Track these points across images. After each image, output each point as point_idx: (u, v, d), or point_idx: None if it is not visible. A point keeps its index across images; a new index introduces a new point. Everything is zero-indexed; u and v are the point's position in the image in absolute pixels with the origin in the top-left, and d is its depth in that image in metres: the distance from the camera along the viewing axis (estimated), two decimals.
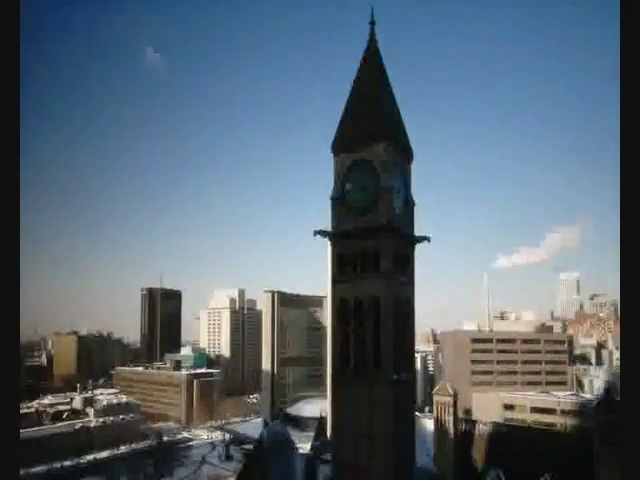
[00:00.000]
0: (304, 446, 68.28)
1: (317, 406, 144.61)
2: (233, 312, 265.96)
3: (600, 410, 42.84)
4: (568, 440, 51.16)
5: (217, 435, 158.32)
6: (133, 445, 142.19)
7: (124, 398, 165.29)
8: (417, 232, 35.36)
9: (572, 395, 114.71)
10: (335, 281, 33.85)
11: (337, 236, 33.68)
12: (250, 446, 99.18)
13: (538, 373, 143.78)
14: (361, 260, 32.45)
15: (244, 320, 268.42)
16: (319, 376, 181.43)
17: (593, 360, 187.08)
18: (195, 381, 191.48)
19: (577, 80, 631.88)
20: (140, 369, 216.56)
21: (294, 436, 60.87)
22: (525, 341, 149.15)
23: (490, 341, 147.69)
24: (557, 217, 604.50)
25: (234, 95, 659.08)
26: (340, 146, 34.34)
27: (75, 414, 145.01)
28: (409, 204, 35.08)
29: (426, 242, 35.29)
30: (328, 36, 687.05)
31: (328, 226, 34.16)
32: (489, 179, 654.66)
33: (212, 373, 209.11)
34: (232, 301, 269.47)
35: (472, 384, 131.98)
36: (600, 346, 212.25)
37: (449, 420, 50.73)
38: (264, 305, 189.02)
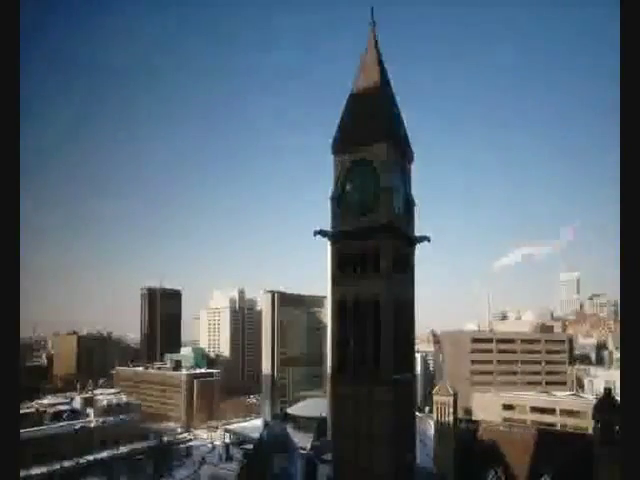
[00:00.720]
0: (304, 446, 68.31)
1: (317, 406, 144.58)
2: (233, 312, 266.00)
3: (600, 410, 42.82)
4: (568, 440, 51.07)
5: (217, 435, 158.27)
6: (133, 445, 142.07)
7: (124, 398, 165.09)
8: (417, 232, 35.39)
9: (572, 395, 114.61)
10: (335, 281, 33.85)
11: (337, 236, 33.68)
12: (250, 446, 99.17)
13: (538, 373, 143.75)
14: (361, 260, 32.46)
15: (244, 320, 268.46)
16: (319, 376, 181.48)
17: (593, 360, 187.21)
18: (195, 381, 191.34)
19: (578, 80, 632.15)
20: (140, 369, 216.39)
21: (294, 436, 60.89)
22: (525, 341, 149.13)
23: (490, 341, 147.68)
24: (557, 217, 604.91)
25: (234, 95, 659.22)
26: (340, 146, 34.35)
27: (75, 414, 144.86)
28: (409, 204, 35.09)
29: (426, 242, 35.31)
30: (328, 36, 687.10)
31: (328, 226, 34.17)
32: (489, 179, 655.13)
33: (212, 373, 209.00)
34: (232, 301, 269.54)
35: (472, 384, 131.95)
36: (600, 346, 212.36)
37: (449, 420, 50.72)
38: (264, 305, 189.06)
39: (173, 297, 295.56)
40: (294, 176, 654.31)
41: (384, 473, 30.38)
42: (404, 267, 33.85)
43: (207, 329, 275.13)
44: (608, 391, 45.36)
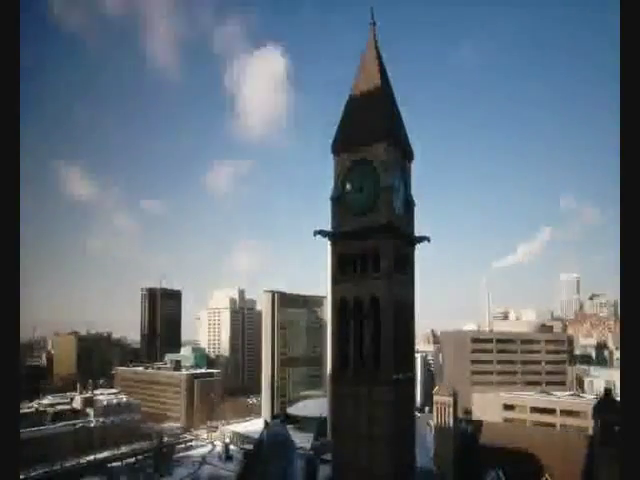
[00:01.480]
0: (304, 446, 68.25)
1: (317, 406, 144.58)
2: (233, 312, 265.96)
3: (600, 410, 42.83)
4: (568, 440, 51.09)
5: (217, 435, 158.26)
6: (133, 445, 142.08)
7: (124, 398, 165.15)
8: (417, 232, 35.38)
9: (572, 395, 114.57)
10: (335, 281, 33.84)
11: (337, 236, 33.66)
12: (250, 446, 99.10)
13: (538, 373, 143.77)
14: (361, 260, 32.44)
15: (244, 320, 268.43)
16: (319, 376, 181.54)
17: (593, 360, 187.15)
18: (195, 381, 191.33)
19: (576, 82, 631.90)
20: (140, 369, 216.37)
21: (294, 436, 60.81)
22: (525, 341, 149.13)
23: (490, 341, 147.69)
24: (557, 217, 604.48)
25: (233, 95, 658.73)
26: (340, 146, 34.33)
27: (75, 414, 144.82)
28: (409, 204, 35.07)
29: (426, 242, 35.29)
30: (328, 36, 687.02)
31: (328, 226, 34.15)
32: (489, 179, 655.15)
33: (212, 373, 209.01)
34: (232, 301, 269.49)
35: (472, 384, 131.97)
36: (600, 346, 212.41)
37: (449, 420, 50.73)
38: (264, 305, 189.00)
39: (173, 297, 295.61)
40: (294, 176, 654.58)
41: (384, 473, 30.36)
42: (404, 267, 33.83)
43: (207, 329, 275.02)
44: (608, 391, 45.41)
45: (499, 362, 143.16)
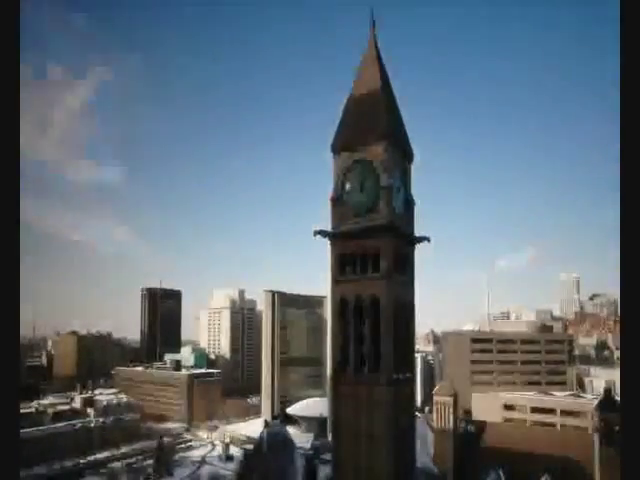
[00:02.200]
0: (304, 446, 68.21)
1: (317, 406, 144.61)
2: (233, 312, 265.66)
3: (600, 410, 42.83)
4: (568, 440, 51.07)
5: (217, 435, 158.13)
6: (133, 445, 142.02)
7: (124, 398, 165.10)
8: (417, 232, 35.37)
9: (572, 395, 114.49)
10: (335, 281, 33.83)
11: (337, 236, 33.65)
12: (250, 446, 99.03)
13: (538, 373, 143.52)
14: (361, 260, 32.44)
15: (244, 320, 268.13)
16: (319, 376, 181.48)
17: (593, 360, 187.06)
18: (195, 381, 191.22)
19: (577, 81, 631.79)
20: (140, 369, 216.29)
21: (294, 436, 60.80)
22: (525, 341, 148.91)
23: (490, 341, 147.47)
24: (557, 217, 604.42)
25: (233, 96, 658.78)
26: (340, 146, 34.32)
27: (75, 414, 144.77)
28: (409, 204, 35.07)
29: (426, 242, 35.28)
30: (328, 36, 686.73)
31: (328, 226, 34.15)
32: (490, 179, 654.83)
33: (212, 373, 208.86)
34: (232, 301, 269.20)
35: (472, 384, 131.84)
36: (600, 346, 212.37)
37: (449, 420, 50.71)
38: (264, 305, 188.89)
39: (173, 297, 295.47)
40: (294, 176, 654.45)
41: (384, 473, 30.36)
42: (404, 267, 33.82)
43: (207, 329, 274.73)
44: (608, 391, 45.41)
45: (499, 362, 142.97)
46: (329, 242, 34.16)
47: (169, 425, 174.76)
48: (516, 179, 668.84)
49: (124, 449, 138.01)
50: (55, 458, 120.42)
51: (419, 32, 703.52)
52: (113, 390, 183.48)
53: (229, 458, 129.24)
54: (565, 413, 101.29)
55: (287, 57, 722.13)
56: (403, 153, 34.84)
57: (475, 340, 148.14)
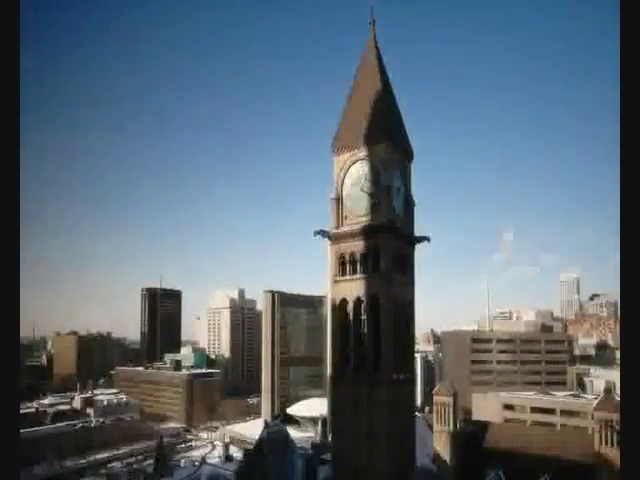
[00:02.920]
0: (304, 446, 68.25)
1: (317, 406, 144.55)
2: (233, 312, 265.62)
3: (600, 410, 42.84)
4: (568, 440, 51.03)
5: (217, 435, 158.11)
6: (133, 445, 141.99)
7: (124, 398, 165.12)
8: (417, 232, 35.38)
9: (572, 395, 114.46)
10: (335, 281, 33.82)
11: (337, 236, 33.65)
12: (250, 446, 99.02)
13: (538, 373, 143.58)
14: (361, 260, 32.44)
15: (244, 320, 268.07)
16: (319, 376, 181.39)
17: (593, 360, 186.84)
18: (195, 381, 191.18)
19: (577, 81, 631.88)
20: (140, 369, 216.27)
21: (294, 436, 60.83)
22: (525, 341, 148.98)
23: (490, 341, 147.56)
24: (557, 217, 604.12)
25: (233, 96, 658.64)
26: (340, 146, 34.32)
27: (75, 414, 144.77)
28: (409, 204, 35.06)
29: (426, 242, 35.29)
30: (328, 36, 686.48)
31: (328, 226, 34.16)
32: (490, 178, 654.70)
33: (212, 373, 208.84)
34: (232, 301, 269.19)
35: (472, 384, 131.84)
36: (600, 346, 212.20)
37: (449, 420, 50.71)
38: (264, 305, 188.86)
39: (173, 297, 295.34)
40: (294, 176, 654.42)
41: (384, 473, 30.35)
42: (404, 267, 33.82)
43: (207, 329, 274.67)
44: (608, 391, 45.42)
45: (499, 362, 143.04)
46: (329, 242, 34.16)
47: (169, 425, 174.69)
48: (516, 179, 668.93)
49: (124, 449, 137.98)
50: (55, 458, 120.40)
51: (419, 32, 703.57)
52: (113, 390, 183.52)
53: (229, 458, 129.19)
54: (565, 413, 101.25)
55: (287, 57, 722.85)
56: (403, 153, 34.83)
57: (475, 340, 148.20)
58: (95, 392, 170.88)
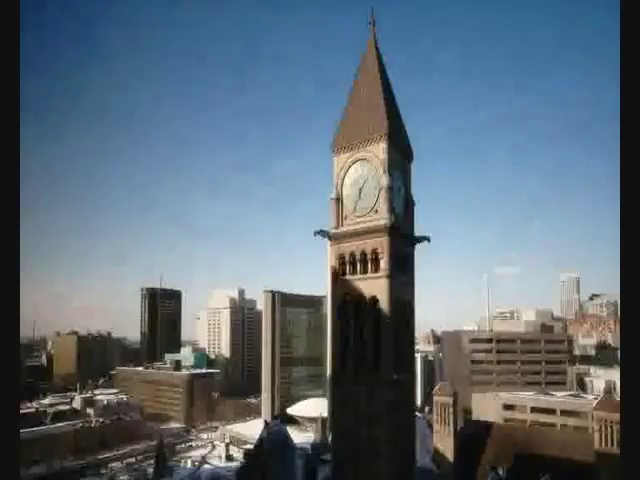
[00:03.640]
0: (304, 446, 68.22)
1: (317, 406, 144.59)
2: (233, 312, 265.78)
3: (600, 410, 42.80)
4: (568, 440, 51.01)
5: (217, 435, 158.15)
6: (133, 445, 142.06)
7: (124, 398, 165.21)
8: (417, 232, 35.38)
9: (572, 395, 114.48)
10: (335, 281, 33.82)
11: (337, 236, 33.65)
12: (250, 446, 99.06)
13: (538, 373, 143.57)
14: (361, 260, 32.44)
15: (244, 320, 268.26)
16: (319, 376, 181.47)
17: (593, 360, 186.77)
18: (195, 381, 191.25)
19: (578, 80, 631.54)
20: (140, 369, 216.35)
21: (294, 436, 60.81)
22: (525, 341, 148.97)
23: (490, 341, 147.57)
24: (557, 217, 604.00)
25: (233, 96, 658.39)
26: (340, 146, 34.30)
27: (75, 414, 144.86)
28: (409, 204, 35.05)
29: (426, 242, 35.28)
30: (328, 36, 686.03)
31: (328, 226, 34.16)
32: (490, 178, 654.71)
33: (212, 373, 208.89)
34: (232, 301, 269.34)
35: (472, 384, 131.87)
36: (600, 346, 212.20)
37: (449, 420, 50.66)
38: (264, 305, 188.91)
39: (173, 297, 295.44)
40: (294, 176, 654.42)
41: (384, 473, 30.35)
42: (404, 267, 33.81)
43: (207, 329, 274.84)
44: (608, 391, 45.38)
45: (499, 362, 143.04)
46: (329, 242, 34.15)
47: (169, 425, 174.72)
48: (516, 178, 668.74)
49: (124, 449, 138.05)
50: (55, 458, 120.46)
51: (419, 32, 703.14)
52: (113, 390, 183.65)
53: (229, 458, 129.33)
54: (565, 413, 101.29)
55: (287, 57, 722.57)
56: (403, 153, 34.81)
57: (475, 340, 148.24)
58: (95, 392, 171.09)
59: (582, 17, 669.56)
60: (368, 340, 31.98)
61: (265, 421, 75.69)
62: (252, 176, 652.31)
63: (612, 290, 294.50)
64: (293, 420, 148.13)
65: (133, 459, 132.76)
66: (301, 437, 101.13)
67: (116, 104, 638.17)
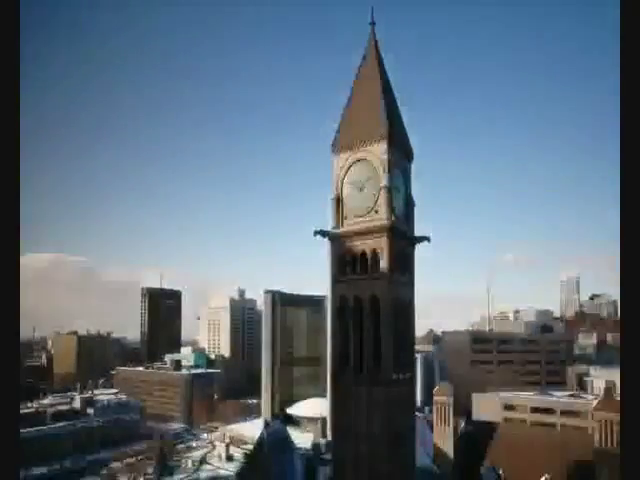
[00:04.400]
0: (304, 446, 68.20)
1: (317, 406, 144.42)
2: (233, 312, 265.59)
3: (600, 410, 42.82)
4: (568, 440, 51.01)
5: (217, 435, 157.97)
6: (133, 445, 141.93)
7: (124, 398, 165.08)
8: (417, 232, 35.36)
9: (572, 395, 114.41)
10: (335, 281, 33.83)
11: (337, 236, 33.66)
12: (250, 446, 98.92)
13: (538, 373, 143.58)
14: (361, 260, 32.45)
15: (244, 320, 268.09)
16: (319, 376, 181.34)
17: (593, 360, 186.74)
18: (195, 381, 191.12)
19: (578, 78, 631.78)
20: (140, 369, 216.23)
21: (294, 436, 60.79)
22: (525, 341, 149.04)
23: (490, 341, 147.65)
24: (557, 217, 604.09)
25: (233, 96, 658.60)
26: (340, 146, 34.31)
27: (75, 414, 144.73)
28: (409, 204, 35.05)
29: (426, 242, 35.27)
30: (328, 36, 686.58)
31: (328, 226, 34.16)
32: (490, 178, 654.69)
33: (212, 373, 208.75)
34: (232, 301, 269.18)
35: (472, 384, 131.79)
36: (600, 346, 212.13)
37: (449, 420, 50.68)
38: (264, 305, 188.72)
39: (173, 297, 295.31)
40: (294, 176, 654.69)
41: (384, 473, 30.34)
42: (404, 267, 33.81)
43: (207, 329, 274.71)
44: (608, 391, 45.40)
45: (499, 362, 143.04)
46: (329, 242, 34.15)
47: (169, 425, 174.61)
48: (516, 178, 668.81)
49: (124, 449, 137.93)
50: (55, 458, 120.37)
51: (419, 32, 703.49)
52: (113, 390, 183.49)
53: (229, 458, 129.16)
54: (565, 413, 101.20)
55: (287, 56, 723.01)
56: (403, 153, 34.80)
57: (475, 340, 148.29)
58: (95, 392, 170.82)
59: (582, 17, 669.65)
60: (368, 340, 31.98)
61: (265, 421, 75.71)
62: (253, 176, 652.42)
63: (612, 290, 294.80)
64: (293, 420, 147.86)
65: (133, 459, 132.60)
66: (301, 437, 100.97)
67: (116, 104, 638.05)
